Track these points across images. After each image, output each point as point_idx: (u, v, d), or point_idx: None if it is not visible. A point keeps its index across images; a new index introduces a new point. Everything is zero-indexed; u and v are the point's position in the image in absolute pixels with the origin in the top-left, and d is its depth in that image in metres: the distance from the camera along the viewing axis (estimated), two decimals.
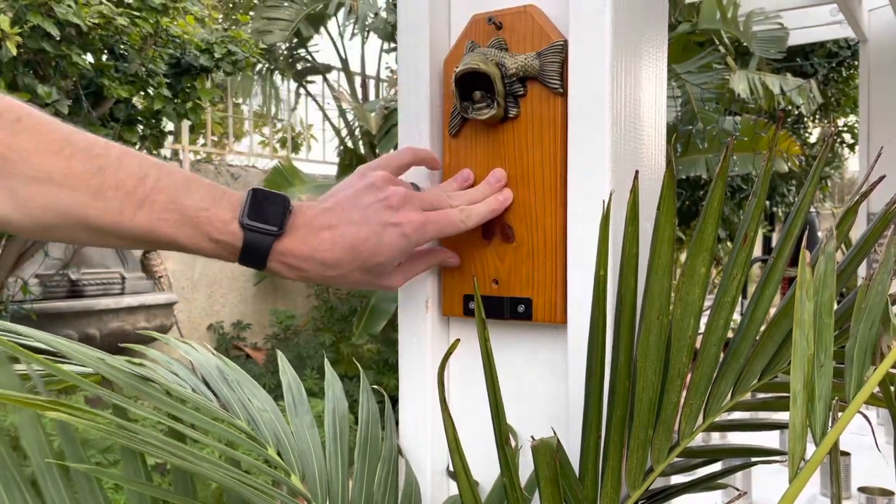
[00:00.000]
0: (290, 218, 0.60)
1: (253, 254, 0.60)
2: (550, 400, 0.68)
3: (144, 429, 0.51)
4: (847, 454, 1.23)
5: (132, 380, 0.59)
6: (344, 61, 5.72)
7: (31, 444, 0.57)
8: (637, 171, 0.54)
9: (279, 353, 0.76)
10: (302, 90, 6.16)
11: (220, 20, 5.41)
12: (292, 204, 0.61)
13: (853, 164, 9.57)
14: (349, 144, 5.48)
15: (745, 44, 4.44)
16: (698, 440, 0.79)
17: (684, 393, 0.56)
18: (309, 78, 5.97)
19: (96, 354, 0.58)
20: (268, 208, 0.60)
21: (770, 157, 0.55)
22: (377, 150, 4.65)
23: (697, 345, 0.56)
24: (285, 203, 0.60)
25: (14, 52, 2.56)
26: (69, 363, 0.59)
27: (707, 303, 0.55)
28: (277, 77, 5.76)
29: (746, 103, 5.49)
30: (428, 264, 0.69)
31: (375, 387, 0.76)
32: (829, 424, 0.50)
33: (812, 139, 7.68)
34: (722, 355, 0.57)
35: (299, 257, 0.60)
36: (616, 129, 0.63)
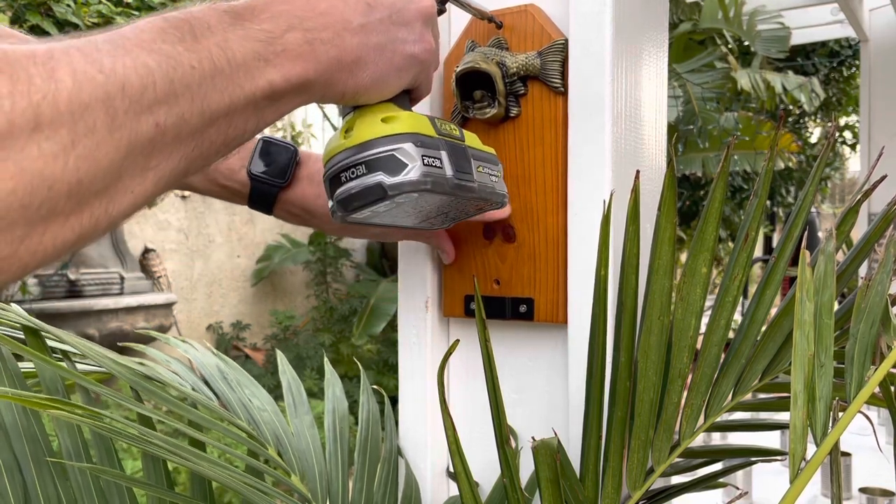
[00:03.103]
0: (297, 168, 0.63)
1: (259, 201, 0.63)
2: (551, 400, 0.68)
3: (148, 429, 0.51)
4: (848, 454, 1.23)
5: (141, 380, 0.59)
6: None
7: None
8: (638, 171, 0.54)
9: (279, 354, 0.76)
10: None
11: None
12: (300, 154, 0.63)
13: (854, 164, 9.56)
14: None
15: (746, 43, 4.43)
16: (699, 440, 0.79)
17: (685, 393, 0.56)
18: None
19: (105, 353, 0.59)
20: (275, 158, 0.62)
21: (771, 158, 0.55)
22: None
23: (698, 345, 0.56)
24: (293, 153, 0.63)
25: None
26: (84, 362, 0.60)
27: (708, 303, 0.55)
28: None
29: (748, 101, 5.48)
30: (427, 239, 0.69)
31: (375, 387, 0.75)
32: (830, 425, 0.50)
33: (813, 139, 7.67)
34: (723, 356, 0.57)
35: (301, 207, 0.63)
36: (616, 128, 0.62)
